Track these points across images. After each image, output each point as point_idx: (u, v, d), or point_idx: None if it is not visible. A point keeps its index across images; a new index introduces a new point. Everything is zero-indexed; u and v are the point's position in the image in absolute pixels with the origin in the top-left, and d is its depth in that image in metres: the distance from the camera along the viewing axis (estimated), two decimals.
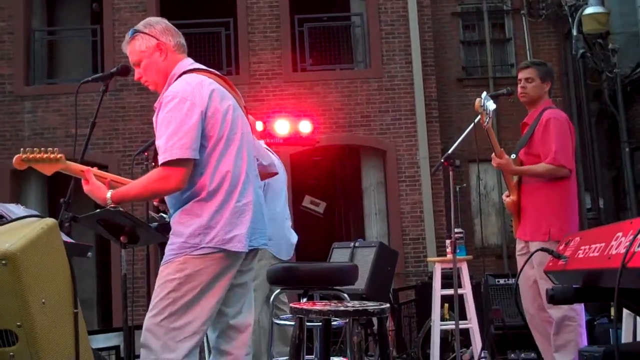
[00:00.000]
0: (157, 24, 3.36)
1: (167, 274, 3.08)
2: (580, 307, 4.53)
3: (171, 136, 3.02)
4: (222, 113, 3.15)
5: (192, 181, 3.09)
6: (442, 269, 6.44)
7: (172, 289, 3.05)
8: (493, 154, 4.72)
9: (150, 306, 3.10)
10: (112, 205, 3.18)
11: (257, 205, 3.23)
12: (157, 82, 3.33)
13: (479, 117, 4.72)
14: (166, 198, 3.30)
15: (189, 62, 3.33)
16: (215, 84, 3.23)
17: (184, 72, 3.25)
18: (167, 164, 3.02)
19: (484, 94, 4.68)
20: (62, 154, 3.47)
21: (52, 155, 3.41)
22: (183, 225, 3.09)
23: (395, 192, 11.84)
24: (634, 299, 2.17)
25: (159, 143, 3.07)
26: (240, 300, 3.30)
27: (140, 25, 3.36)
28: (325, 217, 14.61)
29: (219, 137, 3.12)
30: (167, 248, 3.13)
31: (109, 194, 3.17)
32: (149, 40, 3.29)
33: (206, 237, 3.04)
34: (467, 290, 6.28)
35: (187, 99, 3.07)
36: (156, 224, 3.56)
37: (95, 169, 3.38)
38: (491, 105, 4.61)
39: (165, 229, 3.41)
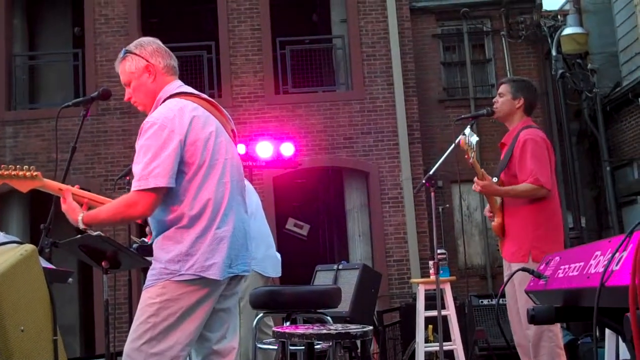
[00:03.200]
0: (149, 45, 3.37)
1: (147, 298, 3.07)
2: (557, 328, 4.50)
3: (148, 164, 3.02)
4: (204, 140, 3.14)
5: (172, 208, 3.09)
6: (425, 290, 6.43)
7: (151, 313, 3.03)
8: (475, 177, 4.70)
9: (131, 331, 3.08)
10: (83, 227, 3.18)
11: (241, 231, 3.21)
12: (145, 103, 3.35)
13: (459, 139, 4.73)
14: (149, 222, 3.29)
15: (176, 85, 3.33)
16: (199, 110, 3.22)
17: (170, 96, 3.25)
18: (138, 191, 3.02)
19: (467, 130, 4.65)
20: (39, 172, 3.46)
21: (27, 173, 3.40)
22: (164, 251, 3.08)
23: (378, 213, 11.85)
24: (613, 318, 2.18)
25: (135, 170, 3.07)
26: (223, 325, 3.28)
27: (131, 46, 3.38)
28: (309, 240, 14.58)
29: (200, 164, 3.11)
30: (149, 273, 3.12)
31: (80, 215, 3.17)
32: (139, 61, 3.30)
33: (186, 265, 3.04)
34: (450, 311, 6.27)
35: (166, 126, 3.07)
36: (136, 245, 3.54)
37: (75, 188, 3.37)
38: (474, 139, 4.60)
39: (146, 253, 3.39)
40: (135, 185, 3.03)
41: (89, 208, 3.26)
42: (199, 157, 3.11)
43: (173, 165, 3.03)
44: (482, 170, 4.69)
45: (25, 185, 3.44)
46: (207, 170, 3.13)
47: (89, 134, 11.59)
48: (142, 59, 3.30)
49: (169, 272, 3.04)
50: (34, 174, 3.42)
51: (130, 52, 3.34)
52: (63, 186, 3.37)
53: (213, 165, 3.16)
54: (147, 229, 3.62)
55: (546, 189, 4.53)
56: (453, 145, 4.86)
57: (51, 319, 2.89)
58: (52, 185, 3.41)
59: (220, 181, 3.16)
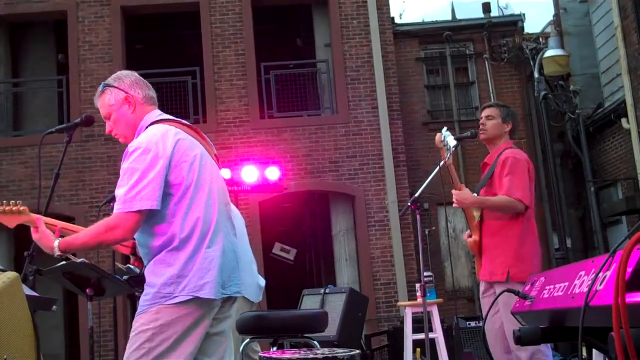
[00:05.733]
0: (127, 77, 3.38)
1: (140, 324, 3.04)
2: (546, 348, 4.50)
3: (133, 187, 3.02)
4: (189, 162, 3.15)
5: (162, 231, 3.08)
6: (413, 313, 6.42)
7: (146, 339, 3.00)
8: (453, 189, 4.72)
9: (124, 358, 3.05)
10: (59, 254, 3.14)
11: (230, 252, 3.20)
12: (126, 134, 3.34)
13: (443, 159, 4.76)
14: (139, 249, 3.28)
15: (156, 114, 3.34)
16: (182, 134, 3.23)
17: (152, 123, 3.26)
18: (120, 214, 3.01)
19: (444, 129, 4.72)
20: (25, 206, 3.45)
21: (14, 208, 3.39)
22: (156, 276, 3.06)
23: (365, 237, 11.85)
24: (599, 337, 2.18)
25: (119, 192, 3.06)
26: (219, 348, 3.25)
27: (110, 79, 3.39)
28: (295, 264, 14.54)
29: (187, 185, 3.12)
30: (141, 299, 3.10)
31: (56, 242, 3.13)
32: (118, 93, 3.31)
33: (179, 286, 3.02)
34: (438, 334, 6.27)
35: (150, 150, 3.07)
36: (127, 276, 3.50)
37: (46, 218, 3.36)
38: (452, 141, 4.63)
39: (136, 280, 3.36)
40: (118, 208, 3.02)
41: (62, 236, 3.23)
42: (185, 178, 3.11)
43: (159, 187, 3.03)
44: (459, 181, 4.72)
45: (12, 221, 3.45)
46: (194, 191, 3.13)
47: (73, 160, 11.55)
48: (121, 90, 3.32)
49: (162, 296, 3.02)
50: (21, 208, 3.42)
51: (109, 85, 3.35)
52: (35, 216, 3.35)
53: (199, 187, 3.15)
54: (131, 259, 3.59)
55: (523, 204, 4.53)
56: (438, 167, 4.89)
57: (35, 348, 2.86)
58: (37, 219, 3.41)
59: (208, 201, 3.16)
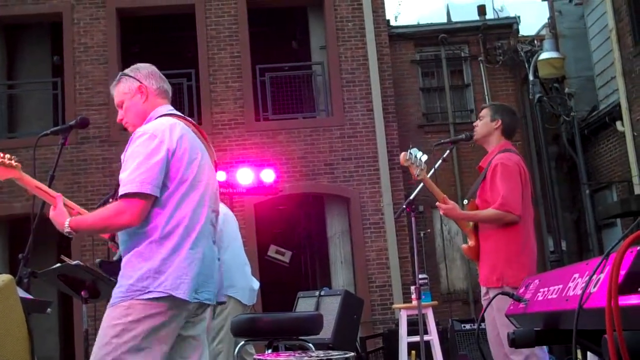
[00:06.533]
0: (144, 68, 3.43)
1: (111, 318, 2.99)
2: (541, 351, 4.49)
3: (135, 170, 3.01)
4: (190, 159, 3.15)
5: (147, 220, 3.05)
6: (408, 315, 6.42)
7: (114, 334, 2.95)
8: (437, 202, 4.69)
9: (92, 355, 3.01)
10: (68, 232, 3.13)
11: (210, 259, 3.17)
12: (135, 123, 3.34)
13: (438, 163, 4.76)
14: (118, 235, 3.25)
15: (167, 108, 3.36)
16: (189, 131, 3.25)
17: (161, 116, 3.28)
18: (125, 196, 3.00)
19: (413, 148, 4.66)
20: (19, 163, 3.46)
21: (7, 161, 3.40)
22: (132, 268, 3.02)
23: (360, 239, 11.85)
24: (593, 340, 2.18)
25: (122, 176, 3.05)
26: (196, 351, 3.21)
27: (127, 70, 3.44)
28: (291, 267, 14.53)
29: (182, 180, 3.10)
30: (115, 290, 3.06)
31: (67, 220, 3.14)
32: (133, 83, 3.35)
33: (155, 282, 2.97)
34: (433, 336, 6.27)
35: (156, 136, 3.09)
36: (100, 259, 3.42)
37: (66, 200, 3.39)
38: (422, 156, 4.61)
39: (111, 268, 3.30)
40: (122, 190, 3.01)
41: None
42: (182, 173, 3.11)
43: (159, 174, 3.03)
44: (444, 195, 4.68)
45: (3, 173, 3.44)
46: (187, 189, 3.12)
47: (68, 162, 11.53)
48: (136, 80, 3.36)
49: (136, 290, 2.97)
50: (14, 163, 3.43)
51: (125, 75, 3.40)
52: (55, 193, 3.38)
53: (194, 185, 3.15)
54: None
55: (514, 214, 4.48)
56: (432, 170, 4.89)
57: (29, 350, 2.85)
58: (29, 181, 3.46)
59: (200, 202, 3.15)
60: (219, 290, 3.26)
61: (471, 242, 4.78)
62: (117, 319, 2.98)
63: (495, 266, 4.55)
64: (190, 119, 3.39)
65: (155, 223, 3.05)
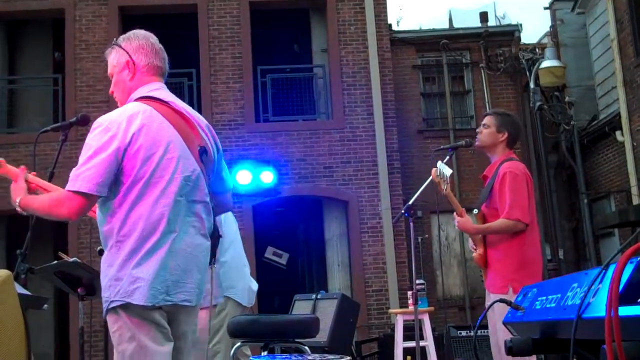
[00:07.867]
0: (136, 39, 3.21)
1: (109, 326, 2.94)
2: None
3: (83, 164, 2.90)
4: (146, 154, 2.91)
5: (107, 220, 2.93)
6: (404, 320, 6.42)
7: (115, 344, 2.90)
8: (454, 213, 4.73)
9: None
10: (19, 209, 3.05)
11: (185, 256, 2.94)
12: (121, 100, 3.18)
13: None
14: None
15: (150, 88, 3.14)
16: (156, 120, 2.99)
17: (138, 99, 3.08)
18: (67, 191, 2.89)
19: (439, 163, 4.69)
20: (3, 159, 3.45)
21: None
22: (103, 276, 2.93)
23: (357, 243, 11.84)
24: (590, 350, 2.18)
25: (73, 169, 2.95)
26: (180, 354, 3.04)
27: (121, 38, 3.23)
28: (288, 269, 14.52)
29: (137, 178, 2.89)
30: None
31: (19, 197, 3.05)
32: (122, 55, 3.16)
33: (114, 290, 2.84)
34: (429, 342, 6.27)
35: (110, 129, 2.91)
36: (100, 248, 3.31)
37: (32, 175, 3.30)
38: (447, 171, 4.63)
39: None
40: (68, 185, 2.91)
41: (36, 194, 3.18)
42: (136, 171, 2.89)
43: (105, 172, 2.87)
44: (462, 209, 4.71)
45: None
46: (143, 187, 2.89)
47: (68, 159, 11.35)
48: (126, 53, 3.15)
49: (104, 301, 2.88)
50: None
51: (117, 45, 3.20)
52: (15, 169, 3.33)
53: (153, 182, 2.91)
54: None
55: (523, 223, 4.51)
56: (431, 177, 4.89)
57: (25, 346, 2.84)
58: (12, 170, 3.40)
59: (158, 201, 2.90)
60: (215, 290, 3.19)
61: (480, 250, 4.79)
62: (111, 329, 2.91)
63: (504, 274, 4.56)
64: (170, 102, 3.14)
65: (112, 225, 2.91)
